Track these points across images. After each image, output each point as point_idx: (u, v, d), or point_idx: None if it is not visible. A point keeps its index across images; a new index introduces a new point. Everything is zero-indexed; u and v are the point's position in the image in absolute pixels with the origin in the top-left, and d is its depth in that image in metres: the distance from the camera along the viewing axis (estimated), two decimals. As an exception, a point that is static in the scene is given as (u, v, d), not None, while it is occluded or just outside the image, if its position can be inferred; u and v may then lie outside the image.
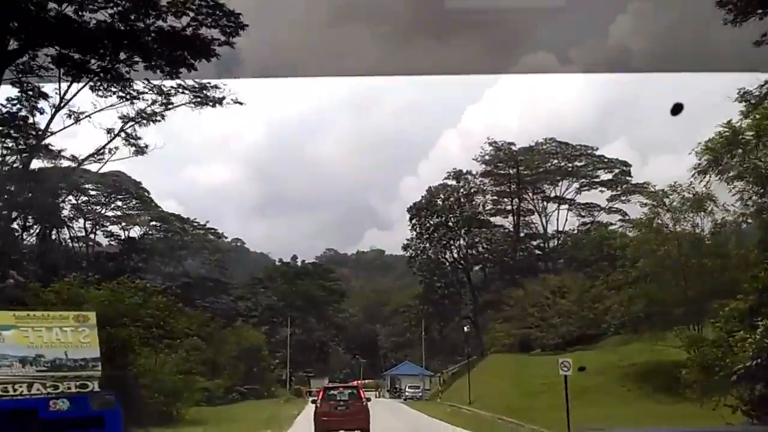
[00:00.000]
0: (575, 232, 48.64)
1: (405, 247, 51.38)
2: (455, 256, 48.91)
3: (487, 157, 47.37)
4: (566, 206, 48.93)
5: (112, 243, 45.07)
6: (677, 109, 6.72)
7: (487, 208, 48.93)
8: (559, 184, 48.72)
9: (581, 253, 42.67)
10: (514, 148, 47.40)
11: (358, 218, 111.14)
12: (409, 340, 78.12)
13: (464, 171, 48.32)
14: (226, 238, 54.55)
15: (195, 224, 50.63)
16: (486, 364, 39.65)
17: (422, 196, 48.76)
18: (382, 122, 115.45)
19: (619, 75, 51.19)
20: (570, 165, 47.86)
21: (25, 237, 35.96)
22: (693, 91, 27.63)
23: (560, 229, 49.46)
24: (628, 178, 46.18)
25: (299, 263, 66.19)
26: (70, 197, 39.18)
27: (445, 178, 48.56)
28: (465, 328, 45.66)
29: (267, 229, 59.75)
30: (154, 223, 46.79)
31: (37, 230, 35.79)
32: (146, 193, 44.93)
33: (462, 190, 47.94)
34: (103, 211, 43.47)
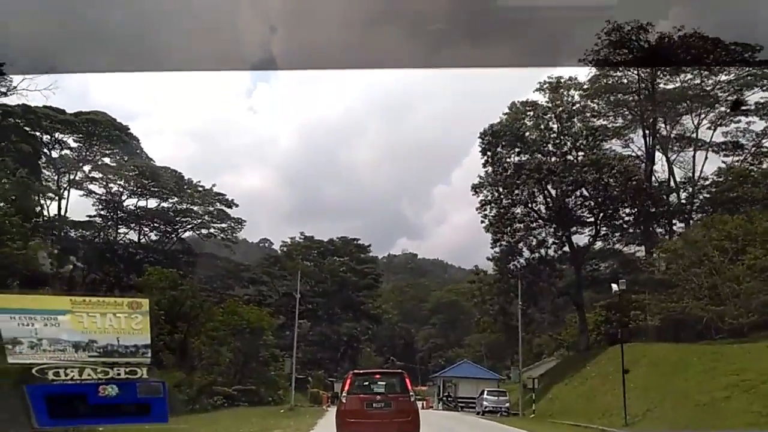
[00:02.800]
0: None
1: (476, 188, 43.21)
2: (548, 202, 41.66)
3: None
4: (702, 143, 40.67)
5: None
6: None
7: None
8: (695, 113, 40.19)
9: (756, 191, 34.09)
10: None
11: (389, 226, 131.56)
12: (455, 339, 79.65)
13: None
14: (244, 222, 54.84)
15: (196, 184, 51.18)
16: (605, 360, 32.00)
17: (500, 118, 41.42)
18: (416, 129, 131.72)
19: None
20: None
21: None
22: None
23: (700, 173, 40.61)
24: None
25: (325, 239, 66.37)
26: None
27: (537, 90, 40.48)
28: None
29: (296, 234, 64.61)
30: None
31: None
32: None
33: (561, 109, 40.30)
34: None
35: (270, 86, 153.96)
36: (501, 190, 41.91)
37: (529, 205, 42.26)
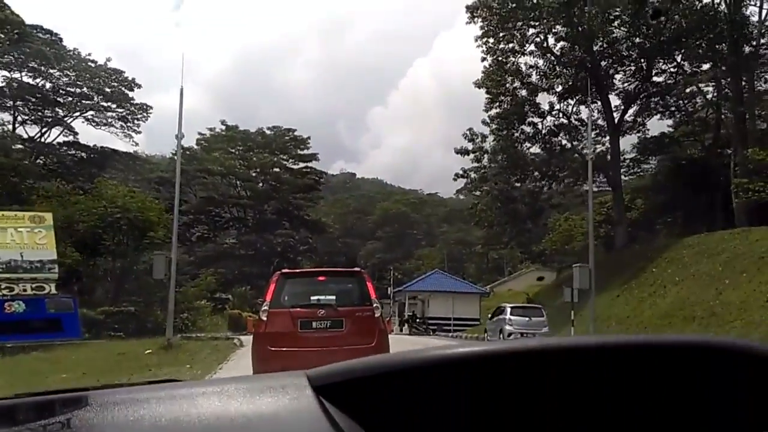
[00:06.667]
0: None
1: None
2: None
3: None
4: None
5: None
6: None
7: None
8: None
9: None
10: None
11: (325, 148, 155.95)
12: (404, 253, 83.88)
13: None
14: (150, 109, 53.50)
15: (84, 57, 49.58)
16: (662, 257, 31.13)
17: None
18: (352, 51, 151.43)
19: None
20: None
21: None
22: None
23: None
24: None
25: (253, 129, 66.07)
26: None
27: None
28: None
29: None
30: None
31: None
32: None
33: None
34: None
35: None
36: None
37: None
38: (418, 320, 44.30)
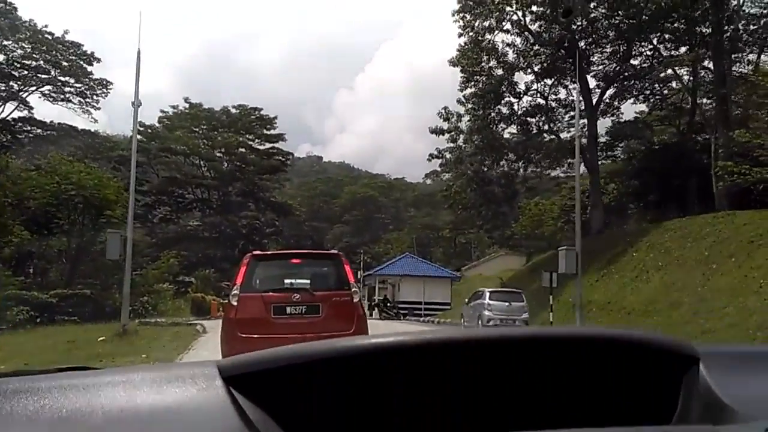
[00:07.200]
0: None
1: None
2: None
3: None
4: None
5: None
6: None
7: None
8: None
9: None
10: None
11: (291, 131, 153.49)
12: (371, 237, 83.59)
13: None
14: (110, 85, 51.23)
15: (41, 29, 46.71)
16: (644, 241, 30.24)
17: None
18: (319, 33, 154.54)
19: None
20: None
21: None
22: None
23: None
24: None
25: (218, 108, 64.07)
26: None
27: None
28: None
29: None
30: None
31: None
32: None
33: None
34: None
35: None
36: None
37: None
38: (389, 305, 43.16)
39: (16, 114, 50.26)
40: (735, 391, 1.30)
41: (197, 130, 61.59)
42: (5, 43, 46.22)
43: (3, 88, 48.52)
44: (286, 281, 10.79)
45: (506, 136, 41.90)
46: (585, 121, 39.21)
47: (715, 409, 1.27)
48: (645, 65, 39.78)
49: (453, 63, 39.61)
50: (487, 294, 27.74)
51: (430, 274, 48.58)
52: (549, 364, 1.28)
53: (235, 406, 1.16)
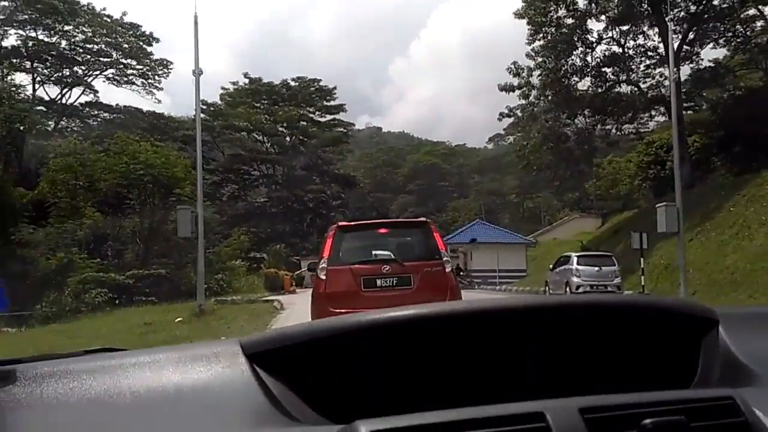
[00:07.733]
0: None
1: None
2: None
3: None
4: None
5: None
6: None
7: None
8: None
9: None
10: None
11: (348, 103, 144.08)
12: (435, 206, 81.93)
13: None
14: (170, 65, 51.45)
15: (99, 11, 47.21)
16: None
17: None
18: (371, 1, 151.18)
19: None
20: None
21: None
22: None
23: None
24: None
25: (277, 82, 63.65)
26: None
27: None
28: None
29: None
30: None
31: None
32: None
33: None
34: None
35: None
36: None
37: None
38: (461, 273, 41.05)
39: (83, 99, 50.62)
40: (756, 352, 1.27)
41: (258, 105, 61.21)
42: (66, 28, 46.27)
43: (68, 73, 48.82)
44: (375, 252, 10.25)
45: (581, 89, 39.41)
46: (664, 69, 36.55)
47: (736, 371, 1.25)
48: (725, 5, 36.73)
49: (519, 15, 37.50)
50: (575, 258, 25.73)
51: (504, 240, 46.87)
52: (571, 331, 1.28)
53: (259, 382, 1.16)
